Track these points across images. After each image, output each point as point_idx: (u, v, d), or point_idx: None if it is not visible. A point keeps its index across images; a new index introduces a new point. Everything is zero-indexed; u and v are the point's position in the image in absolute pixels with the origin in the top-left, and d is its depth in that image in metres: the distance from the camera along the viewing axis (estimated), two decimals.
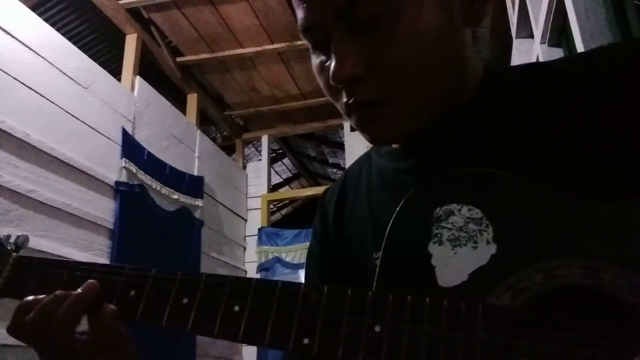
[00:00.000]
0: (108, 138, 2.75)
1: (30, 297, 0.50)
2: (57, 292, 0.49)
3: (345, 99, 0.47)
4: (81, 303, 0.48)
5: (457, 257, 0.41)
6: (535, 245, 0.40)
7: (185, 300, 0.45)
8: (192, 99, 3.98)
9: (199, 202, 3.47)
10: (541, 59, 1.93)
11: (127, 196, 2.77)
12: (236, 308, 0.43)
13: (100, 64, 2.88)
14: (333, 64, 0.45)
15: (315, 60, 0.49)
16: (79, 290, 0.48)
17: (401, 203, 0.45)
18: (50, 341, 0.48)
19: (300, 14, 0.47)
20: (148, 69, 3.40)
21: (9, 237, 0.54)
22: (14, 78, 2.21)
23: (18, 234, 0.55)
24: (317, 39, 0.48)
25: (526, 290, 0.39)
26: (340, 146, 5.12)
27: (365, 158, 0.63)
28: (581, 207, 0.40)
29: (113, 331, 0.48)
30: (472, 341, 0.37)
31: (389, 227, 0.45)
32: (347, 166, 4.40)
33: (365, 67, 0.45)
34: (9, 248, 0.54)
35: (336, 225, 0.61)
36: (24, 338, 0.49)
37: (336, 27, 0.45)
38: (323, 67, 0.48)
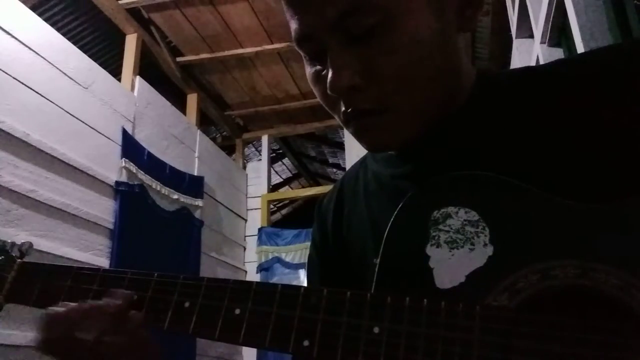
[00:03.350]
0: (108, 138, 2.75)
1: (57, 309, 0.48)
2: (90, 304, 0.47)
3: (343, 108, 0.47)
4: (118, 316, 0.47)
5: (455, 259, 0.42)
6: (531, 246, 0.40)
7: (186, 304, 0.46)
8: (192, 99, 3.99)
9: (199, 202, 3.47)
10: (541, 59, 1.93)
11: (127, 196, 2.77)
12: (237, 311, 0.44)
13: (100, 64, 2.88)
14: (330, 74, 0.45)
15: (310, 70, 0.49)
16: (118, 302, 0.47)
17: (399, 206, 0.45)
18: (81, 357, 0.46)
19: (294, 24, 0.47)
20: (148, 69, 3.40)
21: (13, 243, 0.55)
22: (14, 78, 2.21)
23: (22, 240, 0.56)
24: (312, 49, 0.47)
25: (522, 291, 0.39)
26: (340, 146, 5.13)
27: (361, 164, 0.63)
28: (576, 209, 0.40)
29: (139, 338, 0.47)
30: (470, 342, 0.37)
31: (387, 230, 0.45)
32: (347, 166, 4.41)
33: (363, 77, 0.45)
34: (14, 254, 0.54)
35: (335, 233, 0.61)
36: (56, 354, 0.47)
37: (332, 37, 0.45)
38: (319, 77, 0.48)
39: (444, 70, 0.47)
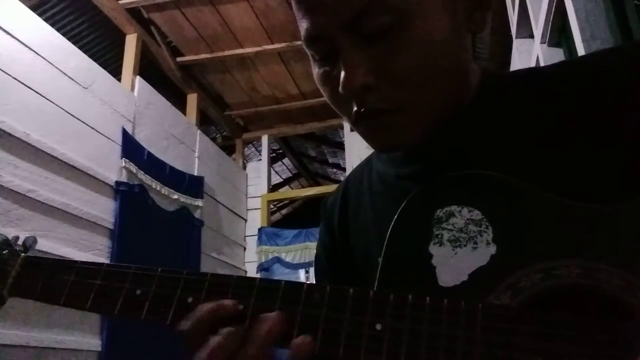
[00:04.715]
0: (108, 138, 2.75)
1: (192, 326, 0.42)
2: (235, 329, 0.41)
3: (355, 108, 0.47)
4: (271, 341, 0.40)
5: (458, 257, 0.42)
6: (534, 246, 0.40)
7: (189, 300, 0.45)
8: (192, 99, 3.99)
9: (199, 202, 3.47)
10: (541, 59, 1.93)
11: (127, 196, 2.77)
12: (240, 307, 0.44)
13: (100, 64, 2.88)
14: (343, 73, 0.44)
15: (319, 70, 0.49)
16: (267, 326, 0.41)
17: (402, 205, 0.45)
18: None
19: (305, 24, 0.46)
20: (148, 69, 3.40)
21: (17, 238, 0.55)
22: (14, 78, 2.21)
23: (27, 235, 0.55)
24: (322, 49, 0.47)
25: (525, 290, 0.39)
26: (340, 146, 5.13)
27: (366, 164, 0.63)
28: (579, 209, 0.40)
29: None
30: (472, 340, 0.37)
31: (390, 228, 0.45)
32: (347, 166, 4.41)
33: (376, 76, 0.44)
34: (17, 249, 0.54)
35: (342, 234, 0.61)
36: None
37: (344, 37, 0.44)
38: (328, 78, 0.48)
39: (455, 70, 0.47)
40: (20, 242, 0.55)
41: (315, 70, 0.49)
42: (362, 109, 0.46)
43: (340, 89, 0.45)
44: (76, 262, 0.52)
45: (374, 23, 0.43)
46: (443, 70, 0.46)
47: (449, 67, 0.46)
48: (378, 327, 0.39)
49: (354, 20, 0.43)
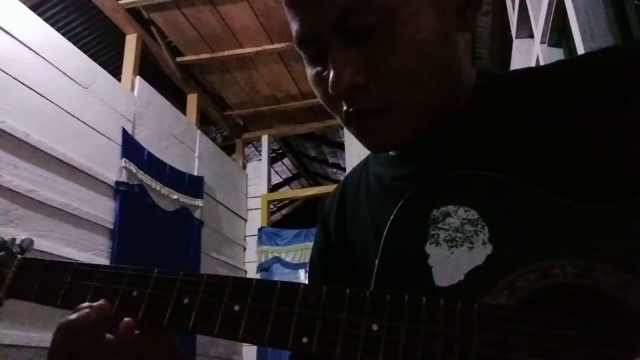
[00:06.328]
0: (108, 138, 2.75)
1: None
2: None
3: (345, 108, 0.47)
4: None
5: (454, 257, 0.42)
6: (530, 245, 0.40)
7: (186, 301, 0.46)
8: (192, 99, 3.99)
9: (198, 202, 3.47)
10: (541, 59, 1.93)
11: (127, 196, 2.77)
12: (236, 308, 0.44)
13: (100, 64, 2.88)
14: (332, 73, 0.45)
15: (311, 71, 0.49)
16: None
17: (399, 205, 0.45)
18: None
19: (295, 25, 0.47)
20: (148, 69, 3.41)
21: (14, 239, 0.55)
22: (14, 78, 2.21)
23: (23, 237, 0.56)
24: (313, 50, 0.47)
25: (521, 290, 0.39)
26: (340, 146, 5.13)
27: (363, 166, 0.63)
28: (575, 208, 0.40)
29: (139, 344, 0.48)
30: (468, 340, 0.38)
31: (386, 228, 0.45)
32: (347, 166, 4.41)
33: (365, 75, 0.45)
34: (14, 250, 0.54)
35: (338, 236, 0.61)
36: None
37: (333, 37, 0.45)
38: (320, 78, 0.48)
39: (445, 69, 0.47)
40: (17, 243, 0.55)
41: (308, 71, 0.50)
42: (352, 109, 0.47)
43: (329, 89, 0.45)
44: (73, 263, 0.52)
45: (361, 22, 0.43)
46: (432, 69, 0.46)
47: (438, 65, 0.46)
48: (375, 327, 0.40)
49: (341, 20, 0.44)
